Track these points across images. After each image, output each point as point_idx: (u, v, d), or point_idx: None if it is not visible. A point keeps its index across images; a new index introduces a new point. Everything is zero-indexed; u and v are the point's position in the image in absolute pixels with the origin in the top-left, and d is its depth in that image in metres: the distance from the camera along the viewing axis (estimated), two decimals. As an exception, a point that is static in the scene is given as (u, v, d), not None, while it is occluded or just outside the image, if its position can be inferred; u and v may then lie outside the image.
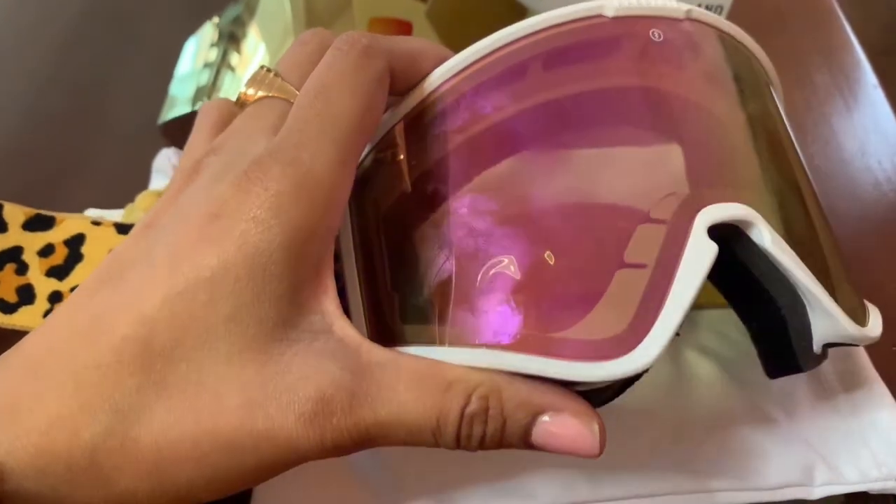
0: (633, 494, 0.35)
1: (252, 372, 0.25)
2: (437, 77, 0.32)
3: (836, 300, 0.30)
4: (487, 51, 0.32)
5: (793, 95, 0.56)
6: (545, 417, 0.27)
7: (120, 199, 0.41)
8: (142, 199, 0.39)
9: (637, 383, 0.34)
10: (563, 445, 0.27)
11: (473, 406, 0.26)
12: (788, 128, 0.35)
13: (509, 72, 0.32)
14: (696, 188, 0.29)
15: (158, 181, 0.42)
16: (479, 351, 0.27)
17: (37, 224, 0.37)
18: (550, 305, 0.28)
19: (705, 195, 0.29)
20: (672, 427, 0.37)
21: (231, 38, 0.54)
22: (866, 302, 0.35)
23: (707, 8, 0.56)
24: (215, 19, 0.56)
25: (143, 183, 0.45)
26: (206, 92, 0.51)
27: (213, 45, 0.54)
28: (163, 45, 0.57)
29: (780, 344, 0.32)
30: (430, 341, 0.29)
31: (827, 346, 0.31)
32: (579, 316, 0.27)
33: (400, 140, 0.32)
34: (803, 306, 0.30)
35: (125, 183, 0.44)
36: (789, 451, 0.36)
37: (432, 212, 0.31)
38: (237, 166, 0.27)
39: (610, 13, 0.32)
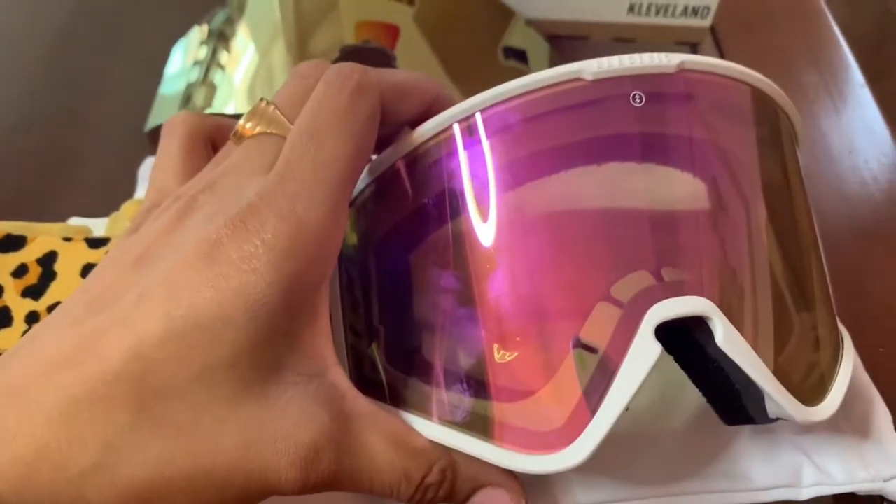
0: (620, 498, 0.35)
1: (250, 414, 0.26)
2: (428, 130, 0.31)
3: (796, 366, 0.31)
4: (475, 110, 0.31)
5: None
6: (485, 490, 0.31)
7: (106, 206, 0.41)
8: (126, 207, 0.39)
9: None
10: None
11: (433, 477, 0.30)
12: (803, 184, 0.35)
13: (492, 135, 0.31)
14: (662, 271, 0.29)
15: (144, 189, 0.42)
16: (439, 428, 0.30)
17: (8, 245, 0.36)
18: (506, 379, 0.30)
19: (665, 284, 0.29)
20: (659, 429, 0.37)
21: (220, 37, 0.54)
22: (844, 344, 0.34)
23: (693, 10, 0.56)
24: (204, 26, 0.55)
25: (129, 190, 0.45)
26: (195, 89, 0.51)
27: (202, 43, 0.54)
28: (152, 50, 0.57)
29: (735, 407, 0.32)
30: (399, 398, 0.31)
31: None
32: (530, 393, 0.29)
33: (388, 189, 0.33)
34: (757, 386, 0.30)
35: (111, 190, 0.43)
36: (777, 452, 0.36)
37: (409, 270, 0.32)
38: (232, 207, 0.27)
39: (589, 77, 0.30)
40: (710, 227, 0.31)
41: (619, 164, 0.30)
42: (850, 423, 0.37)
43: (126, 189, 0.45)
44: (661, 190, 0.30)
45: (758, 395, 0.30)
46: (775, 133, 0.34)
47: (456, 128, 0.31)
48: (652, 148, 0.30)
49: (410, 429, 0.30)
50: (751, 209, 0.32)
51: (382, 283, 0.32)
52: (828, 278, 0.35)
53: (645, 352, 0.28)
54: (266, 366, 0.27)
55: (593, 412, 0.28)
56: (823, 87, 0.57)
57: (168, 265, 0.26)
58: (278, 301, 0.26)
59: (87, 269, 0.36)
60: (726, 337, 0.29)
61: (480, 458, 0.29)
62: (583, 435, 0.28)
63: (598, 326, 0.29)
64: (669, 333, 0.29)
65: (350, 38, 0.51)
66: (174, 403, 0.25)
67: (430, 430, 0.30)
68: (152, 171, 0.32)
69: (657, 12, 0.56)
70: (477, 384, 0.30)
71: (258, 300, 0.26)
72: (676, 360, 0.31)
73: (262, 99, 0.31)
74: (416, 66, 0.52)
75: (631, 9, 0.56)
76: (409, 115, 0.33)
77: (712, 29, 0.59)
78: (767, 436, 0.36)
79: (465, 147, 0.31)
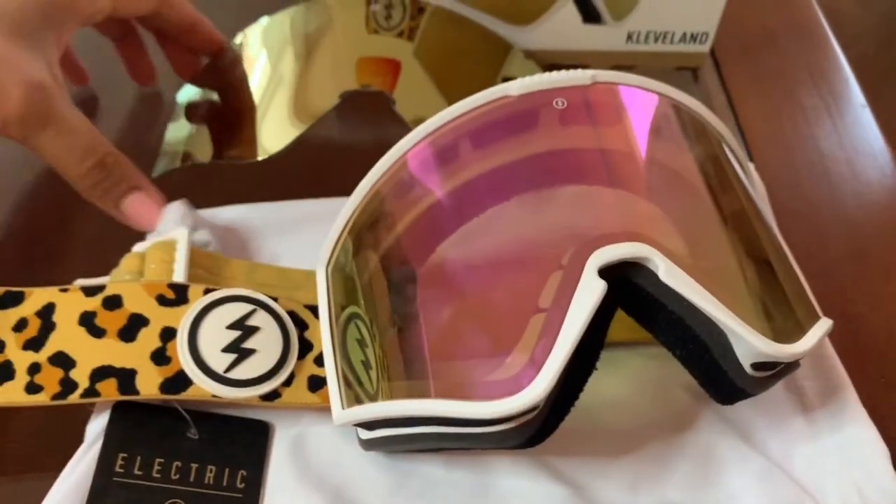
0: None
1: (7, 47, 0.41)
2: (382, 165, 0.37)
3: (764, 318, 0.33)
4: (422, 136, 0.36)
5: (780, 117, 0.56)
6: (136, 195, 0.43)
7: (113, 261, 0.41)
8: (126, 261, 0.39)
9: (619, 422, 0.39)
10: (137, 214, 0.43)
11: (104, 161, 0.42)
12: (734, 160, 0.38)
13: (438, 155, 0.36)
14: (597, 233, 0.32)
15: (146, 242, 0.42)
16: (408, 402, 0.32)
17: (7, 301, 0.37)
18: (474, 355, 0.33)
19: (605, 237, 0.32)
20: (657, 466, 0.37)
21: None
22: (823, 318, 0.35)
23: (692, 36, 0.56)
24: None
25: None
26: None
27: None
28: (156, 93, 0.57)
29: (713, 369, 0.33)
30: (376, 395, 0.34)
31: (761, 365, 0.33)
32: (501, 361, 0.31)
33: (362, 216, 0.37)
34: (718, 329, 0.32)
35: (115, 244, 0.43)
36: (778, 490, 0.36)
37: (388, 280, 0.36)
38: None
39: (515, 92, 0.36)
40: (642, 190, 0.35)
41: (550, 156, 0.35)
42: (848, 457, 0.37)
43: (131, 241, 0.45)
44: (592, 170, 0.35)
45: (722, 341, 0.32)
46: (693, 132, 0.38)
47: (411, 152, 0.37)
48: (579, 137, 0.36)
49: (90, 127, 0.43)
50: (681, 180, 0.36)
51: (372, 297, 0.36)
52: (788, 253, 0.37)
53: (591, 288, 0.30)
54: (34, 22, 0.42)
55: (550, 350, 0.30)
56: (824, 108, 0.57)
57: None
58: None
59: (85, 317, 0.37)
60: (669, 271, 0.31)
61: (459, 416, 0.31)
62: (543, 368, 0.30)
63: (552, 291, 0.31)
64: (628, 301, 0.33)
65: (352, 78, 0.52)
66: None
67: (401, 406, 0.32)
68: None
69: (655, 39, 0.56)
70: (446, 357, 0.33)
71: None
72: (638, 320, 0.34)
73: None
74: (418, 99, 0.53)
75: (629, 37, 0.56)
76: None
77: (712, 52, 0.59)
78: (767, 473, 0.36)
79: (419, 165, 0.36)
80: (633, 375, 0.40)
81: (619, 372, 0.40)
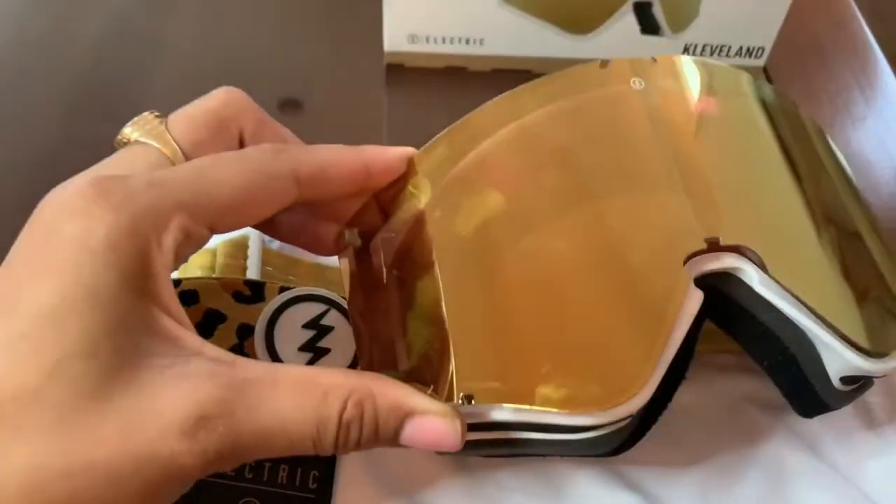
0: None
1: (123, 401, 0.25)
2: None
3: (859, 327, 0.32)
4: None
5: (833, 131, 0.56)
6: (414, 419, 0.29)
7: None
8: (196, 257, 0.39)
9: (689, 431, 0.38)
10: (429, 443, 0.29)
11: (349, 412, 0.28)
12: (831, 146, 0.38)
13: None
14: (690, 239, 0.32)
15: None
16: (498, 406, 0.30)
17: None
18: (579, 358, 0.31)
19: (696, 245, 0.31)
20: (727, 477, 0.37)
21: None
22: None
23: (748, 50, 0.56)
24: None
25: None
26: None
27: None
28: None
29: (799, 381, 0.33)
30: None
31: (849, 379, 0.33)
32: (598, 363, 0.31)
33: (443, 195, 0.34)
34: (810, 341, 0.32)
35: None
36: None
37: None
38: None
39: None
40: (745, 196, 0.34)
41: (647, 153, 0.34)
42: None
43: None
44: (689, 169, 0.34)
45: (812, 353, 0.32)
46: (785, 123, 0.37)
47: None
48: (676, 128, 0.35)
49: (316, 371, 0.28)
50: (777, 177, 0.35)
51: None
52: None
53: (690, 298, 0.30)
54: (128, 352, 0.26)
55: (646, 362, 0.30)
56: (871, 120, 0.57)
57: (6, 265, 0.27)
58: (119, 282, 0.26)
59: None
60: (763, 281, 0.31)
61: (554, 421, 0.30)
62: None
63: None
64: (717, 309, 0.32)
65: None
66: (31, 406, 0.24)
67: (520, 413, 0.30)
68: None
69: (712, 53, 0.56)
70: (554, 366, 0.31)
71: (97, 282, 0.25)
72: (724, 328, 0.34)
73: (151, 111, 0.32)
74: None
75: (686, 50, 0.56)
76: (337, 188, 0.33)
77: (764, 68, 0.59)
78: (839, 488, 0.36)
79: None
80: (701, 385, 0.40)
81: (687, 382, 0.40)
